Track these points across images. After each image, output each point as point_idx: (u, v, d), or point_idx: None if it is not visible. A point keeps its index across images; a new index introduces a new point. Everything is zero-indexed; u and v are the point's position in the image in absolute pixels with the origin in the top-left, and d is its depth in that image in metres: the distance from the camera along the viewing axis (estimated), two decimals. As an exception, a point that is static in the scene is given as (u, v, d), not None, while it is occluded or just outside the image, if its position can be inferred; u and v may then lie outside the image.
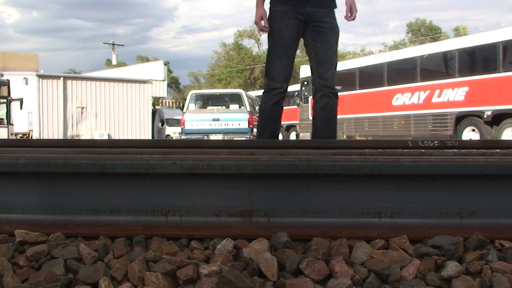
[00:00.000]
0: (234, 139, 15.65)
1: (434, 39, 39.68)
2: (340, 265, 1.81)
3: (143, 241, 2.07)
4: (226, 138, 15.95)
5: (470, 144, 3.84)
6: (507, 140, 5.21)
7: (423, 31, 52.16)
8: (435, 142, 3.62)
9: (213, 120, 16.36)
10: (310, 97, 21.04)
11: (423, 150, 2.37)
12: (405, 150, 2.35)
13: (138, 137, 30.69)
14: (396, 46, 48.61)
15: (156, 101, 35.08)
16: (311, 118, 17.49)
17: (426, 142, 3.60)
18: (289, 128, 24.21)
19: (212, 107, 17.41)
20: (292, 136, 25.20)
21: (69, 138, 28.29)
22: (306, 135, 21.48)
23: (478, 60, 15.68)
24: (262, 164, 2.09)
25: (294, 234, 2.06)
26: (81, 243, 1.98)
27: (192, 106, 16.97)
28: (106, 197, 2.18)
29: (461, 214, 2.11)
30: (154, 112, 32.80)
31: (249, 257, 1.88)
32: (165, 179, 2.15)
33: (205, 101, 17.97)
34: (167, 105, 39.81)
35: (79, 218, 2.17)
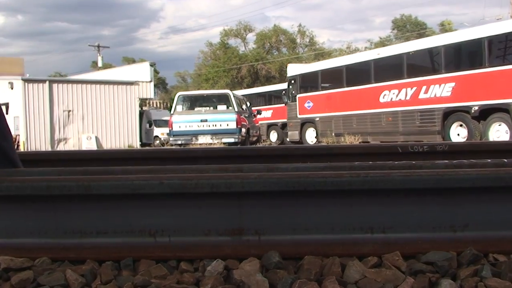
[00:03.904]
0: (223, 140, 15.61)
1: (420, 35, 39.83)
2: (333, 286, 1.77)
3: (131, 264, 2.02)
4: (214, 139, 15.90)
5: (459, 147, 3.82)
6: (494, 141, 5.23)
7: (409, 27, 52.34)
8: (425, 147, 3.60)
9: (201, 121, 16.30)
10: (298, 96, 21.05)
11: (413, 162, 2.34)
12: (396, 163, 2.32)
13: (126, 139, 30.57)
14: (382, 43, 48.71)
15: (143, 102, 34.94)
16: (299, 116, 17.42)
17: (415, 148, 3.58)
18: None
19: (200, 108, 17.31)
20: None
21: (56, 141, 28.14)
22: (295, 134, 21.47)
23: (464, 55, 15.73)
24: (251, 182, 2.05)
25: (286, 253, 2.03)
26: (68, 268, 1.93)
27: (179, 108, 16.88)
28: (92, 218, 2.13)
29: (454, 228, 2.08)
30: (141, 114, 32.66)
31: (240, 279, 1.84)
32: (152, 199, 2.11)
33: (193, 103, 17.86)
34: (155, 105, 39.67)
35: (64, 241, 2.11)
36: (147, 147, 26.63)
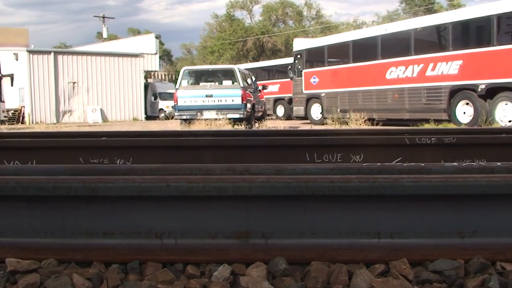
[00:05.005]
0: (228, 116, 15.55)
1: (428, 10, 39.34)
2: (340, 296, 1.77)
3: (138, 267, 2.02)
4: (219, 114, 15.83)
5: (467, 139, 3.79)
6: (502, 130, 5.19)
7: (417, 1, 51.66)
8: (433, 139, 3.57)
9: (206, 96, 16.21)
10: (304, 71, 20.93)
11: (422, 165, 2.31)
12: (404, 165, 2.29)
13: (131, 112, 30.58)
14: (389, 17, 48.18)
15: (148, 74, 34.82)
16: (304, 92, 17.36)
17: (423, 139, 3.55)
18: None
19: (205, 83, 17.21)
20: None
21: (61, 113, 28.15)
22: (300, 109, 21.39)
23: (472, 33, 15.55)
24: (259, 186, 2.04)
25: (292, 257, 2.02)
26: (74, 272, 1.93)
27: (184, 83, 16.79)
28: (99, 219, 2.12)
29: (462, 234, 2.07)
30: (146, 86, 32.57)
31: (247, 286, 1.84)
32: (159, 201, 2.10)
33: (198, 77, 17.76)
34: (160, 77, 39.51)
35: (71, 241, 2.11)
36: (152, 121, 26.66)
